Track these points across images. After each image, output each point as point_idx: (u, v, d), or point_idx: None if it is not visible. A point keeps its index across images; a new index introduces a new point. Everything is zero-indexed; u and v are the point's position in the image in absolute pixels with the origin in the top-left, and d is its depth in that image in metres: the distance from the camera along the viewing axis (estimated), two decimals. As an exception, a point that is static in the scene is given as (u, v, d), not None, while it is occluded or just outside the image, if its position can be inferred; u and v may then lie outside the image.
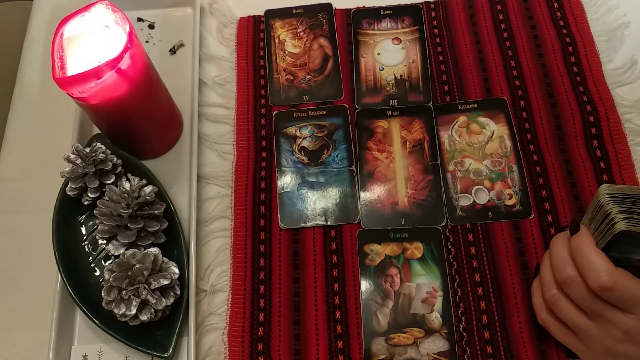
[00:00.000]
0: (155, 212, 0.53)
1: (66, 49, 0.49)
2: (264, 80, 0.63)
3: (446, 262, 0.54)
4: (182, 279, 0.52)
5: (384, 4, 0.66)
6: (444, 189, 0.57)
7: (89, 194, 0.54)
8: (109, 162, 0.54)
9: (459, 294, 0.52)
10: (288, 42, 0.65)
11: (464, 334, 0.51)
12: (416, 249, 0.54)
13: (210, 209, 0.58)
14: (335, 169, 0.58)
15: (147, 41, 0.66)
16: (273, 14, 0.67)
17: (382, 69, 0.63)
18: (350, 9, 0.66)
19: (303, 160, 0.59)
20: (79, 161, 0.53)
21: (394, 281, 0.53)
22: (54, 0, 0.72)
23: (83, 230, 0.55)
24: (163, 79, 0.57)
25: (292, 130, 0.61)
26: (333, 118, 0.61)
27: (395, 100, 0.61)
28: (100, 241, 0.55)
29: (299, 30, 0.66)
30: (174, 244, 0.54)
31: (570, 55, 0.62)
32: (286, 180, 0.58)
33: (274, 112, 0.62)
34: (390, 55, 0.64)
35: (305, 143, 0.60)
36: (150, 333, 0.51)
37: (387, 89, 0.62)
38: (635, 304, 0.40)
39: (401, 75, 0.62)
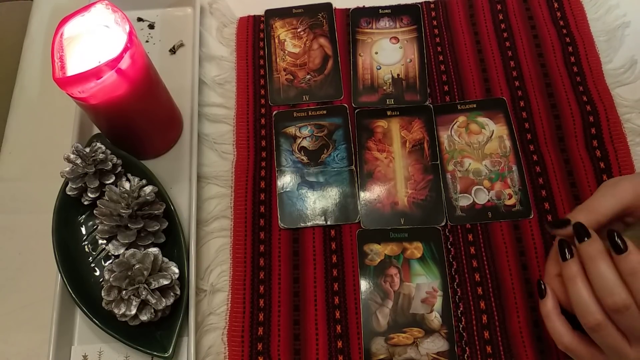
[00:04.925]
0: (155, 212, 0.53)
1: (66, 49, 0.49)
2: (263, 80, 0.63)
3: (446, 262, 0.54)
4: (182, 279, 0.52)
5: (384, 4, 0.66)
6: (444, 189, 0.57)
7: (89, 194, 0.54)
8: (109, 162, 0.54)
9: (459, 294, 0.52)
10: (288, 41, 0.65)
11: (464, 334, 0.51)
12: (416, 249, 0.54)
13: (210, 208, 0.58)
14: (335, 169, 0.58)
15: (147, 41, 0.67)
16: (273, 14, 0.67)
17: (380, 68, 0.63)
18: (349, 9, 0.66)
19: (303, 160, 0.59)
20: (79, 161, 0.53)
21: (394, 281, 0.53)
22: (54, 0, 0.72)
23: (83, 230, 0.56)
24: (163, 79, 0.57)
25: (291, 130, 0.61)
26: (333, 118, 0.61)
27: (392, 99, 0.61)
28: (100, 241, 0.55)
29: (299, 30, 0.66)
30: (174, 244, 0.54)
31: (570, 55, 0.62)
32: (286, 180, 0.58)
33: (274, 112, 0.62)
34: (387, 54, 0.64)
35: (305, 143, 0.60)
36: (150, 333, 0.51)
37: (384, 87, 0.62)
38: None
39: (398, 75, 0.62)
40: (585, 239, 0.42)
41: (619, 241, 0.40)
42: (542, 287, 0.45)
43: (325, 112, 0.61)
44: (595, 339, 0.41)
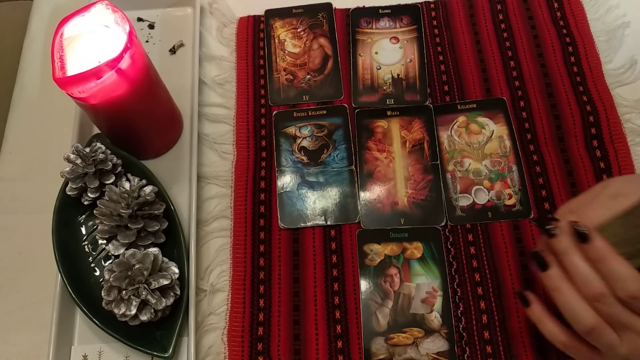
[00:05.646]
0: (155, 212, 0.53)
1: (66, 49, 0.49)
2: (263, 80, 0.63)
3: (446, 262, 0.54)
4: (182, 279, 0.52)
5: (384, 4, 0.66)
6: (444, 189, 0.57)
7: (89, 194, 0.54)
8: (109, 162, 0.54)
9: (459, 294, 0.52)
10: (288, 41, 0.65)
11: (464, 334, 0.51)
12: (416, 249, 0.54)
13: (210, 208, 0.58)
14: (335, 169, 0.58)
15: (147, 41, 0.67)
16: (273, 14, 0.67)
17: (380, 68, 0.63)
18: (349, 9, 0.67)
19: (303, 160, 0.59)
20: (79, 161, 0.53)
21: (394, 281, 0.53)
22: (54, 0, 0.72)
23: (83, 230, 0.55)
24: (163, 79, 0.57)
25: (292, 130, 0.61)
26: (333, 118, 0.61)
27: (392, 99, 0.61)
28: (100, 241, 0.55)
29: (299, 30, 0.66)
30: (174, 244, 0.54)
31: (570, 55, 0.62)
32: (286, 180, 0.58)
33: (274, 112, 0.62)
34: (387, 54, 0.64)
35: (305, 143, 0.60)
36: (150, 333, 0.51)
37: (384, 87, 0.62)
38: None
39: (398, 75, 0.62)
40: (555, 234, 0.42)
41: (582, 230, 0.40)
42: (524, 295, 0.45)
43: (325, 112, 0.61)
44: (592, 341, 0.42)
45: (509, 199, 0.56)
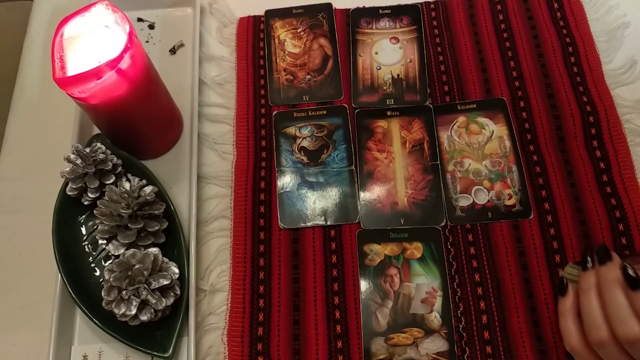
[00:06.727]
0: (155, 212, 0.53)
1: (66, 49, 0.49)
2: (263, 80, 0.63)
3: (446, 262, 0.54)
4: (182, 279, 0.52)
5: (384, 4, 0.66)
6: (444, 189, 0.57)
7: (89, 194, 0.54)
8: (109, 162, 0.54)
9: (459, 294, 0.52)
10: (288, 42, 0.65)
11: (464, 334, 0.51)
12: (416, 249, 0.54)
13: (210, 208, 0.58)
14: (335, 169, 0.58)
15: (147, 41, 0.67)
16: (273, 14, 0.67)
17: (380, 68, 0.63)
18: (349, 9, 0.67)
19: (303, 160, 0.59)
20: (79, 161, 0.53)
21: (394, 281, 0.53)
22: (54, 0, 0.72)
23: (83, 230, 0.56)
24: (163, 79, 0.57)
25: (291, 130, 0.61)
26: (333, 118, 0.61)
27: (392, 100, 0.61)
28: (100, 241, 0.55)
29: (299, 30, 0.66)
30: (174, 244, 0.54)
31: (570, 55, 0.62)
32: (286, 180, 0.58)
33: (274, 112, 0.62)
34: (387, 55, 0.64)
35: (305, 143, 0.60)
36: (150, 333, 0.51)
37: (384, 88, 0.62)
38: None
39: (398, 75, 0.62)
40: (607, 262, 0.41)
41: (635, 276, 0.39)
42: (565, 283, 0.44)
43: (325, 112, 0.61)
44: (601, 354, 0.41)
45: (508, 199, 0.56)
